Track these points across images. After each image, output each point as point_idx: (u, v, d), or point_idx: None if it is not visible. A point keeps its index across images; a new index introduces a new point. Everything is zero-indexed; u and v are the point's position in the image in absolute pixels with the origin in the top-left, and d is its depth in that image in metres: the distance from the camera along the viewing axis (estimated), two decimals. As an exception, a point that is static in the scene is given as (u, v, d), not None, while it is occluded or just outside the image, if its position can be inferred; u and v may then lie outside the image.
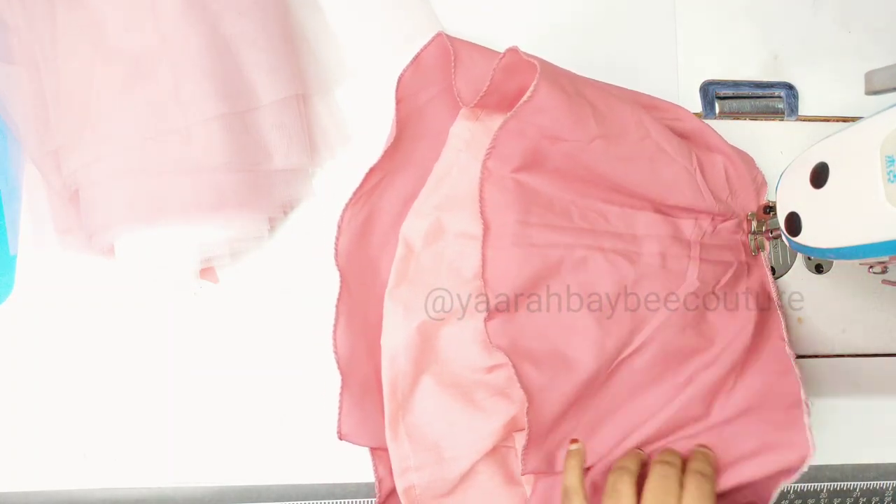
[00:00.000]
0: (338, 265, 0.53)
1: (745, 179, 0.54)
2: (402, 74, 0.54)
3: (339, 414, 0.51)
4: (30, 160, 0.52)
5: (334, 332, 0.53)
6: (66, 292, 0.54)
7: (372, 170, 0.54)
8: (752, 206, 0.55)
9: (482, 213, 0.50)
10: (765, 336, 0.54)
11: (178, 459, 0.53)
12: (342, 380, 0.52)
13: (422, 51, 0.54)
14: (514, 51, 0.50)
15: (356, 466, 0.53)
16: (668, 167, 0.52)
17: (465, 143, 0.55)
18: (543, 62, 0.50)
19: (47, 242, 0.53)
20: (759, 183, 0.55)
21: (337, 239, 0.53)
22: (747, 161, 0.55)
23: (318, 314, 0.54)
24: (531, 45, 0.58)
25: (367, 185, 0.54)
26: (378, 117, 0.57)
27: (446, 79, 0.54)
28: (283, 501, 0.54)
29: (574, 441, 0.51)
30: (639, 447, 0.51)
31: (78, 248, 0.52)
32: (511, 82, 0.52)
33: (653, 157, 0.51)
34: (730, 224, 0.54)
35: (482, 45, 0.54)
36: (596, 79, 0.54)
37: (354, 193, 0.54)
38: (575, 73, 0.52)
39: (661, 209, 0.53)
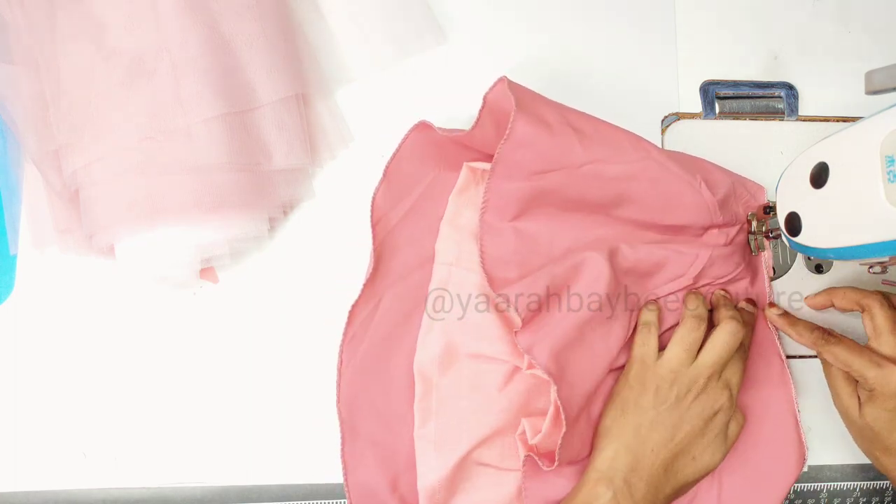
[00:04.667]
0: (339, 411, 0.52)
1: (744, 186, 0.55)
2: (374, 196, 0.53)
3: None
4: (30, 160, 0.52)
5: (346, 481, 0.52)
6: (66, 292, 0.54)
7: (355, 306, 0.53)
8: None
9: (483, 266, 0.50)
10: (756, 341, 0.54)
11: (178, 459, 0.53)
12: None
13: (389, 163, 0.54)
14: (501, 81, 0.49)
15: (356, 466, 0.53)
16: (671, 185, 0.51)
17: (455, 257, 0.54)
18: (525, 95, 0.50)
19: (47, 242, 0.53)
20: (754, 191, 0.55)
21: (338, 385, 0.53)
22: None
23: (317, 314, 0.54)
24: (531, 45, 0.59)
25: (354, 321, 0.53)
26: (378, 118, 0.57)
27: (419, 183, 0.54)
28: (283, 501, 0.54)
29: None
30: None
31: (78, 248, 0.52)
32: (497, 127, 0.51)
33: (654, 176, 0.51)
34: (734, 232, 0.54)
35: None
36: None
37: (344, 335, 0.53)
38: (565, 105, 0.52)
39: (667, 232, 0.53)
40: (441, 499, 0.51)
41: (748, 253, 0.55)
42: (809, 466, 0.56)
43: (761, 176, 0.56)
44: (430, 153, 0.54)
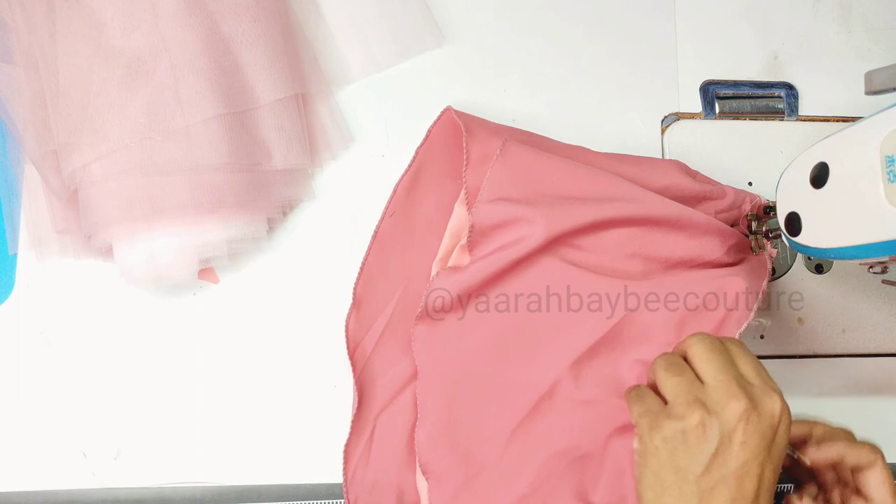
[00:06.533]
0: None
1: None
2: (346, 324, 0.53)
3: None
4: (29, 160, 0.52)
5: (347, 447, 0.52)
6: (66, 292, 0.54)
7: (348, 445, 0.52)
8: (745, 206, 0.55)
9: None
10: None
11: (178, 459, 0.53)
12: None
13: (356, 287, 0.54)
14: (447, 111, 0.52)
15: (356, 466, 0.53)
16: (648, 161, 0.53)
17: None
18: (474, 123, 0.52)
19: (46, 242, 0.53)
20: (744, 197, 0.55)
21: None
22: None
23: (316, 314, 0.54)
24: (530, 45, 0.59)
25: (351, 460, 0.53)
26: (378, 118, 0.57)
27: (389, 301, 0.54)
28: (283, 501, 0.54)
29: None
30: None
31: (77, 248, 0.52)
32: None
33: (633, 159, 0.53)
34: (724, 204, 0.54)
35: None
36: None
37: (344, 476, 0.52)
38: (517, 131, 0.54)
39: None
40: None
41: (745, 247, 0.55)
42: (809, 466, 0.56)
43: (761, 176, 0.56)
44: (397, 266, 0.54)
